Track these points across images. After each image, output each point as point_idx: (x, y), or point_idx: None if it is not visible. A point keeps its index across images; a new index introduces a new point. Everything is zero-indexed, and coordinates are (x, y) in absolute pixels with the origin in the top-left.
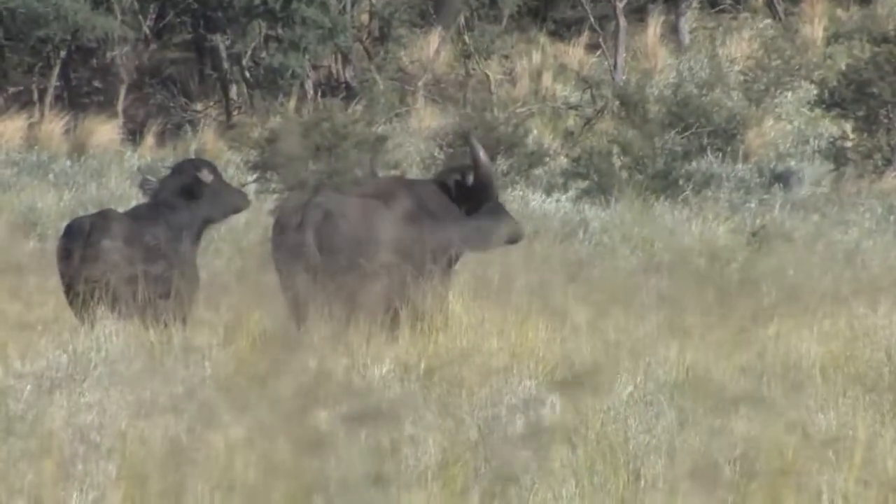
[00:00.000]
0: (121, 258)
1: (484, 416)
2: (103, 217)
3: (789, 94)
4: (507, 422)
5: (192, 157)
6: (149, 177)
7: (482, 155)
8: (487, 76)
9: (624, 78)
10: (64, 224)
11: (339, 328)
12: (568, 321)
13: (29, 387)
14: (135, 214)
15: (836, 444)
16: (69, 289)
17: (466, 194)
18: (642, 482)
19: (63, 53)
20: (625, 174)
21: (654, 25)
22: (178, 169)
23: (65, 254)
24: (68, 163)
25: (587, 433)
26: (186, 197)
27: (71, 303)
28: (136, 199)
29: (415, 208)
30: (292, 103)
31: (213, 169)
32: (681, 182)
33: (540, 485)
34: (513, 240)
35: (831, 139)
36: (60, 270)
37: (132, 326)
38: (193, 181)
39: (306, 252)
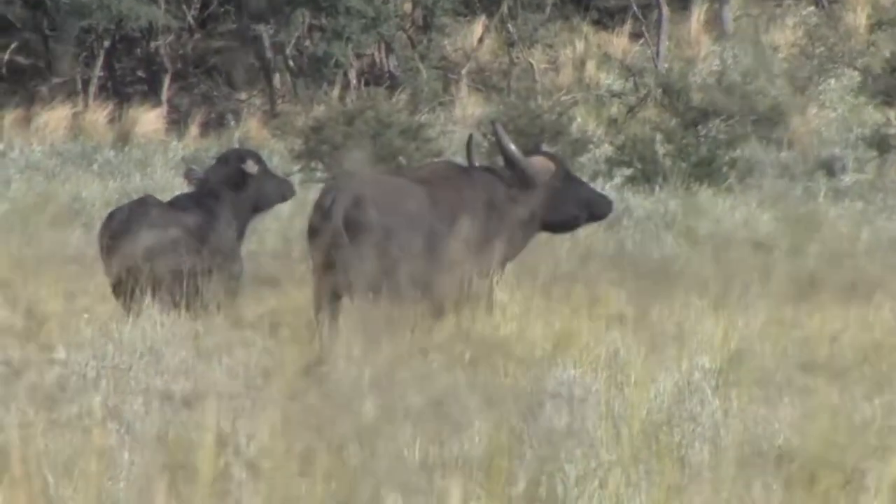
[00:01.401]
0: (158, 245)
1: (528, 404)
2: (142, 204)
3: (833, 81)
4: (551, 410)
5: (237, 146)
6: (194, 167)
7: (510, 145)
8: (531, 64)
9: (667, 66)
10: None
11: (380, 317)
12: (613, 308)
13: (74, 376)
14: (176, 203)
15: (880, 432)
16: (112, 277)
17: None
18: (687, 470)
19: (107, 43)
20: (668, 162)
21: (698, 13)
22: (223, 158)
23: (106, 242)
24: (112, 152)
25: (632, 421)
26: (231, 187)
27: (114, 291)
28: (181, 188)
29: (464, 192)
30: (336, 92)
31: (258, 159)
32: (724, 169)
33: (585, 474)
34: (595, 215)
35: (875, 126)
36: (102, 259)
37: (176, 315)
38: (238, 171)
39: (335, 237)
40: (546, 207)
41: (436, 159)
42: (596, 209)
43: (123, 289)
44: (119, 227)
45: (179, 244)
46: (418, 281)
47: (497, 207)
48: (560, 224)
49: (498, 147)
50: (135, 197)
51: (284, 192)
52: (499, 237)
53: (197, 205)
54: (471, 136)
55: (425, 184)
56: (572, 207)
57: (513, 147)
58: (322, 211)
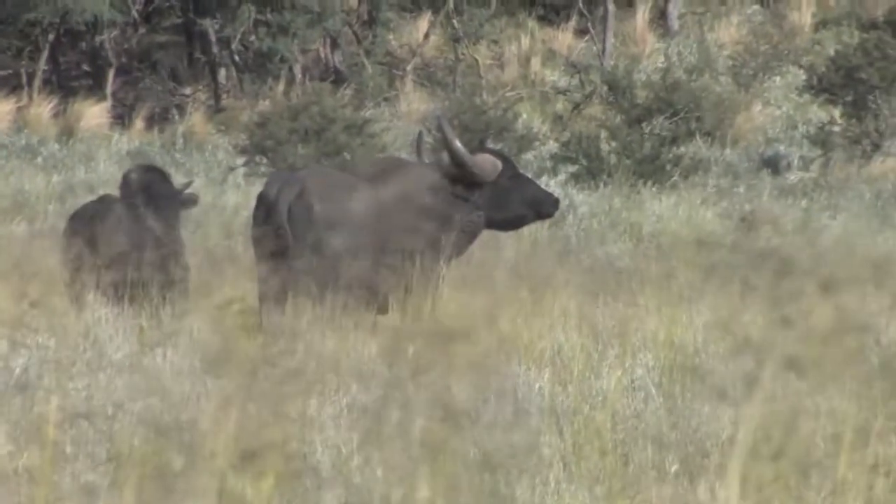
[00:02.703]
0: (124, 244)
1: (471, 400)
2: (105, 203)
3: (778, 79)
4: (495, 407)
5: (177, 142)
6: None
7: (455, 141)
8: (476, 60)
9: (612, 63)
10: (55, 208)
11: (326, 312)
12: (557, 306)
13: (18, 370)
14: (133, 201)
15: (825, 430)
16: (71, 273)
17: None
18: (630, 467)
19: (52, 37)
20: (613, 159)
21: (643, 10)
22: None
23: (71, 239)
24: (57, 146)
25: (575, 418)
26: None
27: (71, 287)
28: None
29: (413, 190)
30: (281, 87)
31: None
32: (669, 167)
33: (527, 470)
34: (542, 214)
35: (820, 124)
36: (65, 253)
37: (120, 311)
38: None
39: (279, 229)
40: (492, 205)
41: (381, 155)
42: (542, 208)
43: (81, 285)
44: (85, 225)
45: (142, 242)
46: (361, 276)
47: (442, 205)
48: (506, 222)
49: (442, 143)
50: (79, 192)
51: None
52: (444, 235)
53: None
54: (420, 133)
55: (371, 180)
56: (519, 206)
57: (458, 143)
58: (266, 203)
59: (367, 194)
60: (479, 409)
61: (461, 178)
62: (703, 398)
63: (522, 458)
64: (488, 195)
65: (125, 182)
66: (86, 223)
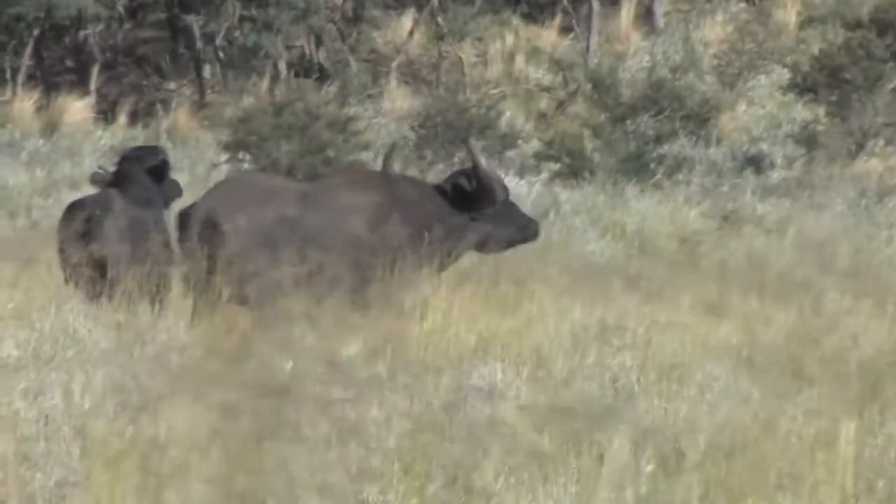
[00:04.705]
0: (123, 238)
1: (449, 399)
2: (104, 197)
3: (762, 78)
4: (472, 406)
5: (161, 138)
6: (99, 169)
7: (482, 161)
8: (460, 58)
9: (596, 61)
10: (39, 202)
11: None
12: (537, 303)
13: None
14: (130, 195)
15: (799, 431)
16: (69, 268)
17: (468, 199)
18: (607, 467)
19: (36, 31)
20: (597, 157)
21: (628, 8)
22: (137, 154)
23: (66, 233)
24: (41, 141)
25: (553, 417)
26: (156, 180)
27: (69, 281)
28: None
29: (380, 204)
30: (265, 83)
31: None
32: (652, 165)
33: (503, 470)
34: (528, 238)
35: (804, 123)
36: (63, 248)
37: (98, 307)
38: (161, 164)
39: (192, 252)
40: (493, 227)
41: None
42: (529, 232)
43: (81, 279)
44: (85, 221)
45: (139, 237)
46: (300, 285)
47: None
48: (496, 243)
49: (471, 163)
50: (63, 187)
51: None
52: (416, 249)
53: (145, 197)
54: (393, 145)
55: (321, 187)
56: (511, 229)
57: (484, 165)
58: (183, 226)
59: (292, 201)
60: (458, 407)
61: (474, 198)
62: (682, 399)
63: (497, 456)
64: (487, 217)
65: (125, 160)
66: (82, 215)
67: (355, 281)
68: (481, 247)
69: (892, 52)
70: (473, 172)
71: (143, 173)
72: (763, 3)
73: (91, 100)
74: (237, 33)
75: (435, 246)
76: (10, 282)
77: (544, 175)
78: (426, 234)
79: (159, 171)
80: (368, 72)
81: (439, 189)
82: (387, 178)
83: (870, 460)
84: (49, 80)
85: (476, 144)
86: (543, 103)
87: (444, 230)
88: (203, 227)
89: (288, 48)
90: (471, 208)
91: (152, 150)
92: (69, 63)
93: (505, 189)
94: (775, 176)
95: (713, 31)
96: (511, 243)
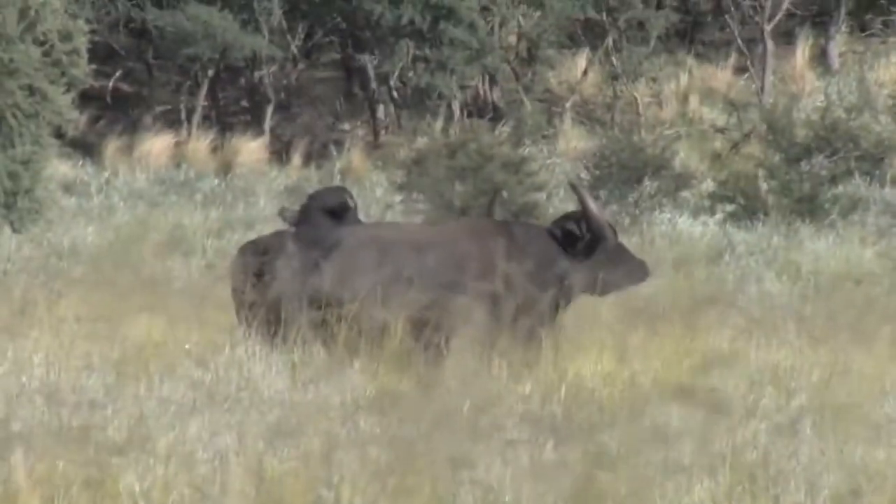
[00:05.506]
0: (295, 279)
1: (625, 439)
2: (277, 238)
3: None
4: (647, 448)
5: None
6: (286, 206)
7: (592, 204)
8: (635, 98)
9: (771, 101)
10: (213, 243)
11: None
12: (712, 344)
13: (173, 407)
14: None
15: None
16: (243, 309)
17: (578, 242)
18: None
19: (211, 72)
20: (771, 198)
21: (803, 48)
22: (320, 197)
23: (240, 274)
24: (215, 181)
25: (728, 459)
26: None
27: (243, 322)
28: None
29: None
30: (439, 124)
31: (351, 195)
32: (827, 206)
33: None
34: (638, 280)
35: None
36: (234, 290)
37: (271, 347)
38: (342, 207)
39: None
40: (600, 268)
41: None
42: (640, 275)
43: (256, 320)
44: (259, 262)
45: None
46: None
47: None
48: (605, 286)
49: (581, 207)
50: (237, 227)
51: None
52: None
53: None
54: (496, 191)
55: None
56: (621, 272)
57: (597, 208)
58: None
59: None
60: (633, 447)
61: (585, 242)
62: (860, 441)
63: (671, 495)
64: (598, 260)
65: (308, 200)
66: (257, 256)
67: (526, 322)
68: (592, 290)
69: None
70: (584, 217)
71: (321, 215)
72: None
73: (265, 140)
74: (411, 74)
75: (549, 291)
76: (185, 322)
77: (718, 216)
78: (543, 279)
79: (340, 213)
80: (542, 112)
81: (550, 233)
82: (503, 225)
83: None
84: (224, 121)
85: (583, 185)
86: (718, 143)
87: (558, 275)
88: (326, 300)
89: (462, 88)
90: (582, 252)
91: (335, 192)
92: (244, 103)
93: (615, 232)
94: None
95: (888, 72)
96: (622, 286)
